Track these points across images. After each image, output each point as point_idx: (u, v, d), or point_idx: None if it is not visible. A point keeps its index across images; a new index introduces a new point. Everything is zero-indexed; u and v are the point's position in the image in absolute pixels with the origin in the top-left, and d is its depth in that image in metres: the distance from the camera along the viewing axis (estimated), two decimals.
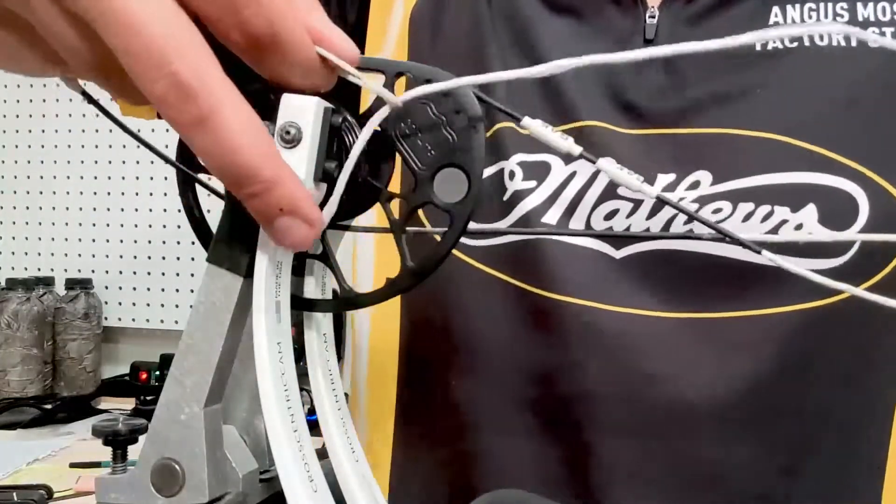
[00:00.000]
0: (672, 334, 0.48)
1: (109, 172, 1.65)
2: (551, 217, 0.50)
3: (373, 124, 0.27)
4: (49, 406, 1.45)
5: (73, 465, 1.15)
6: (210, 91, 0.23)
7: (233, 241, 0.27)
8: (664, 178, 0.49)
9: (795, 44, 0.49)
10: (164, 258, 1.63)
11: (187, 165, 0.31)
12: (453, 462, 0.54)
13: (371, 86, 0.27)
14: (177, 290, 1.63)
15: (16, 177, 1.70)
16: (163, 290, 1.63)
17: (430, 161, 0.27)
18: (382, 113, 0.27)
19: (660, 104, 0.50)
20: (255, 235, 0.27)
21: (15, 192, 1.69)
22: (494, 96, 0.51)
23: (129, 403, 1.50)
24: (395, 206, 0.29)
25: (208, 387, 0.27)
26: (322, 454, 0.29)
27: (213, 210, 0.28)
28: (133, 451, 0.29)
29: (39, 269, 1.67)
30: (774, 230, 0.47)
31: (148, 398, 1.47)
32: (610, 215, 0.49)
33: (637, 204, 0.49)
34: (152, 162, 1.61)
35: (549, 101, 0.51)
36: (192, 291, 1.61)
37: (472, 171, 0.27)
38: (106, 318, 1.63)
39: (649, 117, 0.50)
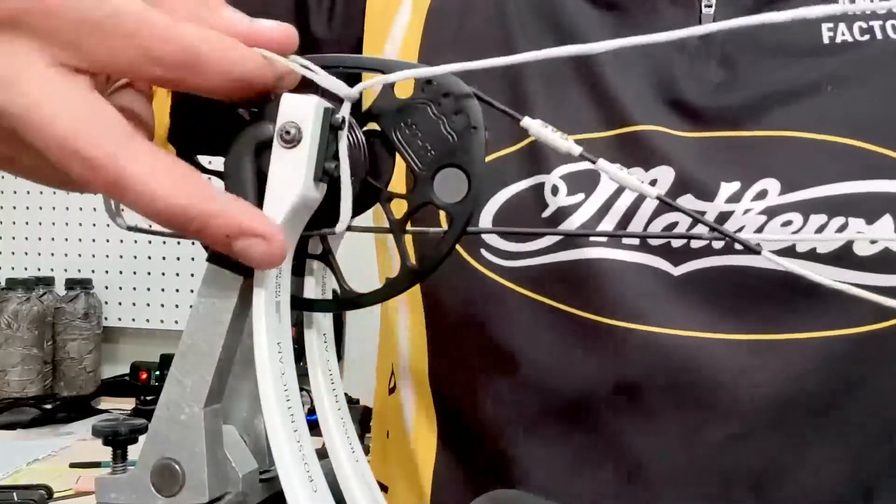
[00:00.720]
0: (733, 354, 0.45)
1: None
2: None
3: (346, 118, 0.27)
4: (49, 406, 1.45)
5: (73, 465, 1.15)
6: (113, 156, 0.24)
7: None
8: (728, 188, 0.44)
9: (867, 36, 0.45)
10: (164, 258, 1.63)
11: None
12: (496, 483, 0.50)
13: (321, 80, 0.27)
14: (177, 290, 1.63)
15: (16, 177, 1.69)
16: (163, 290, 1.63)
17: (430, 161, 0.27)
18: (346, 108, 0.27)
19: (717, 102, 0.46)
20: None
21: (15, 192, 1.69)
22: (532, 101, 0.47)
23: (129, 403, 1.50)
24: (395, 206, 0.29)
25: (208, 387, 0.27)
26: (322, 454, 0.29)
27: None
28: (133, 451, 0.29)
29: (39, 269, 1.67)
30: (849, 245, 0.43)
31: (148, 398, 1.47)
32: (668, 229, 0.45)
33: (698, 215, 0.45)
34: None
35: (599, 107, 0.47)
36: (192, 291, 1.61)
37: (472, 171, 0.27)
38: (106, 318, 1.63)
39: (706, 118, 0.46)
